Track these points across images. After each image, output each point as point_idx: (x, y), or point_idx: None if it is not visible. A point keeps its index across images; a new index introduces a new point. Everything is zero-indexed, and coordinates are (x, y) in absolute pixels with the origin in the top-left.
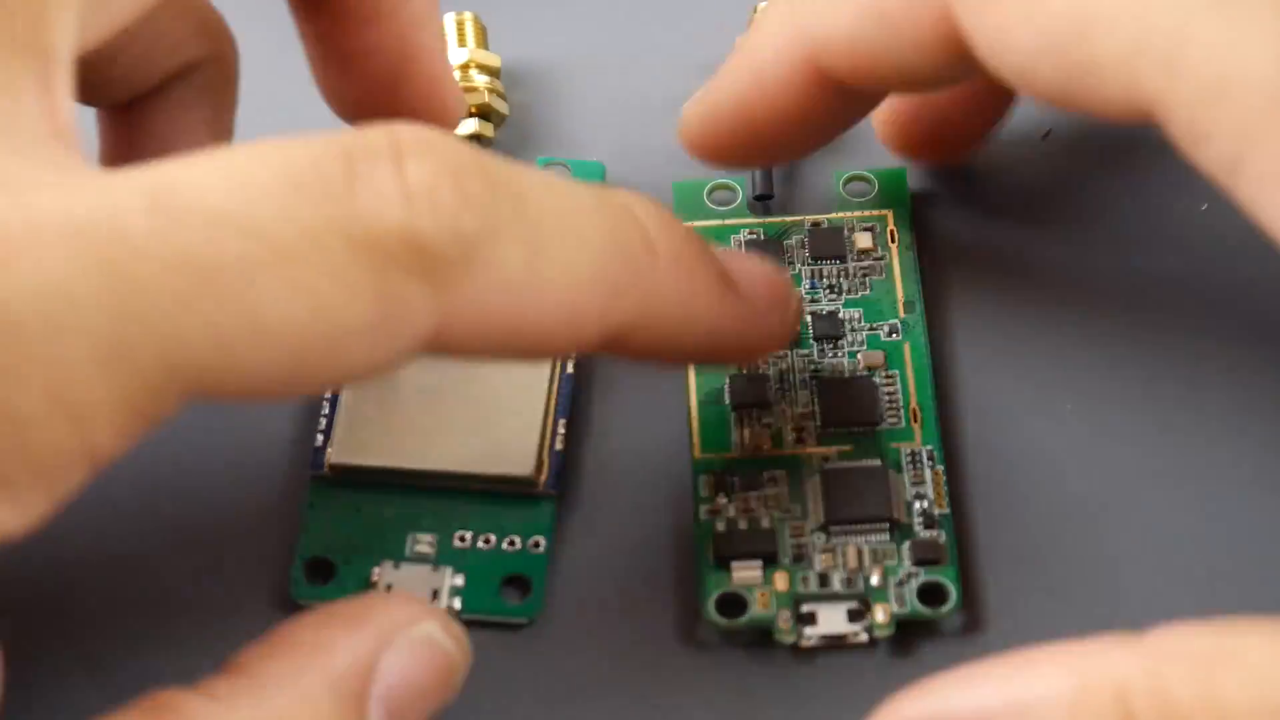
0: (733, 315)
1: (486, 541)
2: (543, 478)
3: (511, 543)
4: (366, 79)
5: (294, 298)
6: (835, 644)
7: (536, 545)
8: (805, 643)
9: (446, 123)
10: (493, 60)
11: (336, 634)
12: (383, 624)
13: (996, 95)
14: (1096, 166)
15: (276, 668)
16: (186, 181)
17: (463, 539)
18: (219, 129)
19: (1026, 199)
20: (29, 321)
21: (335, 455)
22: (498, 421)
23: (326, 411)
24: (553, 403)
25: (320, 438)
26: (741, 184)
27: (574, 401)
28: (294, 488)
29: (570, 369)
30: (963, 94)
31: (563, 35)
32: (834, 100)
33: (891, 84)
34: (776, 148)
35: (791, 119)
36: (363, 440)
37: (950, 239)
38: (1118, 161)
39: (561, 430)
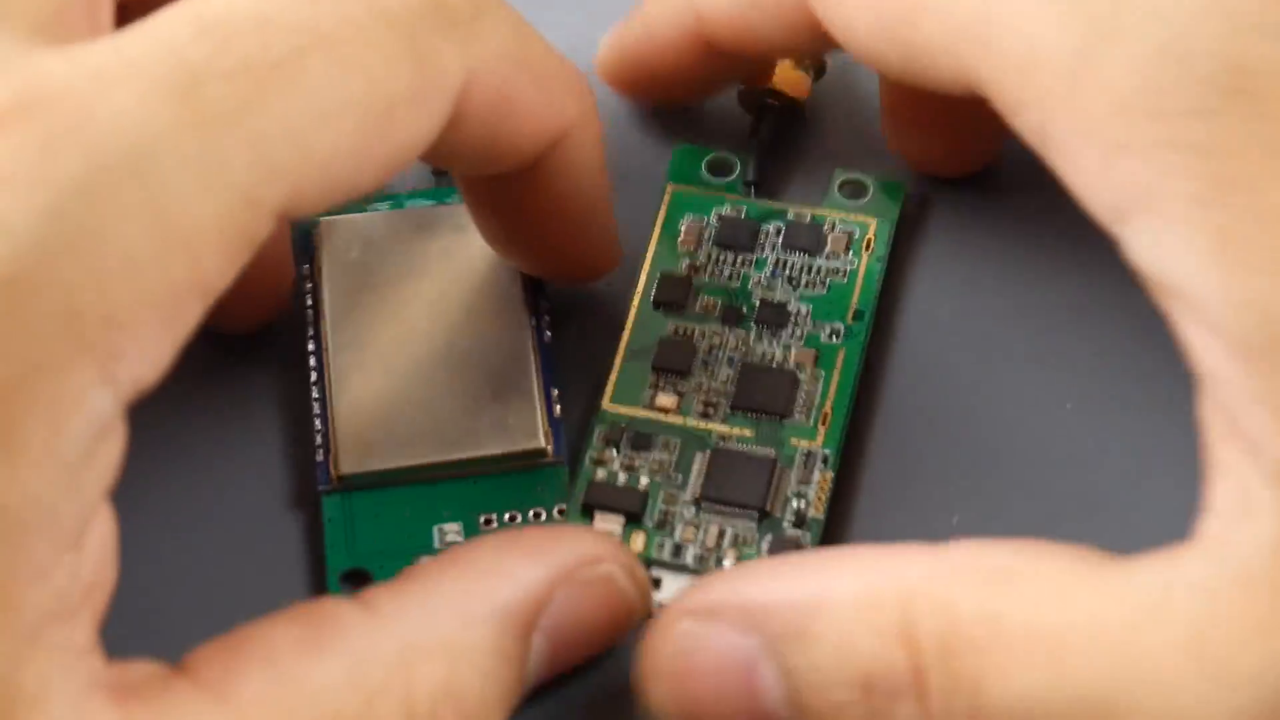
0: (609, 198)
1: (512, 518)
2: (551, 446)
3: (537, 514)
4: (539, 253)
5: (347, 76)
6: None
7: (561, 512)
8: None
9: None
10: None
11: (516, 560)
12: (565, 557)
13: None
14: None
15: (446, 586)
16: (224, 2)
17: (488, 521)
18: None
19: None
20: (121, 159)
21: (345, 465)
22: (494, 400)
23: (319, 427)
24: (539, 372)
25: (320, 452)
26: (740, 159)
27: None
28: (301, 504)
29: (548, 336)
30: (970, 105)
31: None
32: (717, 60)
33: (765, 55)
34: (671, 92)
35: (682, 72)
36: (367, 445)
37: (921, 270)
38: None
39: (555, 398)
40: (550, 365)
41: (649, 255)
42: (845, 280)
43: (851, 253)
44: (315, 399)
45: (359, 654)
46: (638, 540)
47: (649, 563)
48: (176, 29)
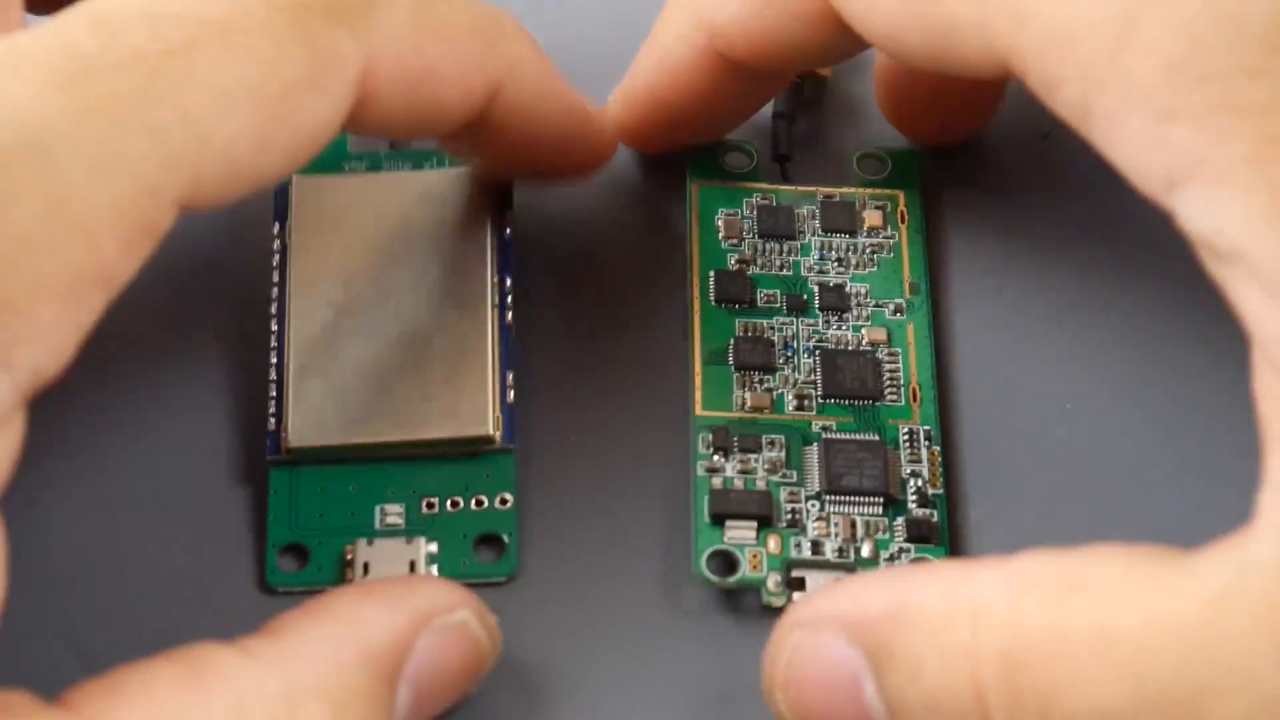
0: (579, 107)
1: (454, 505)
2: (499, 433)
3: (479, 502)
4: (531, 167)
5: (240, 62)
6: None
7: (504, 502)
8: (792, 604)
9: (603, 161)
10: None
11: (376, 609)
12: (422, 605)
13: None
14: (1095, 167)
15: (314, 634)
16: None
17: (430, 505)
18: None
19: (1027, 198)
20: (12, 144)
21: (293, 438)
22: (446, 383)
23: (275, 394)
24: (496, 357)
25: (273, 421)
26: (755, 149)
27: (516, 353)
28: (252, 472)
29: (509, 318)
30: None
31: None
32: (738, 82)
33: (785, 62)
34: (693, 129)
35: (701, 102)
36: (318, 420)
37: (955, 236)
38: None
39: (510, 383)
40: (509, 350)
41: (694, 252)
42: (892, 255)
43: (889, 226)
44: (274, 366)
45: (240, 694)
46: (773, 543)
47: (789, 564)
48: (70, 24)
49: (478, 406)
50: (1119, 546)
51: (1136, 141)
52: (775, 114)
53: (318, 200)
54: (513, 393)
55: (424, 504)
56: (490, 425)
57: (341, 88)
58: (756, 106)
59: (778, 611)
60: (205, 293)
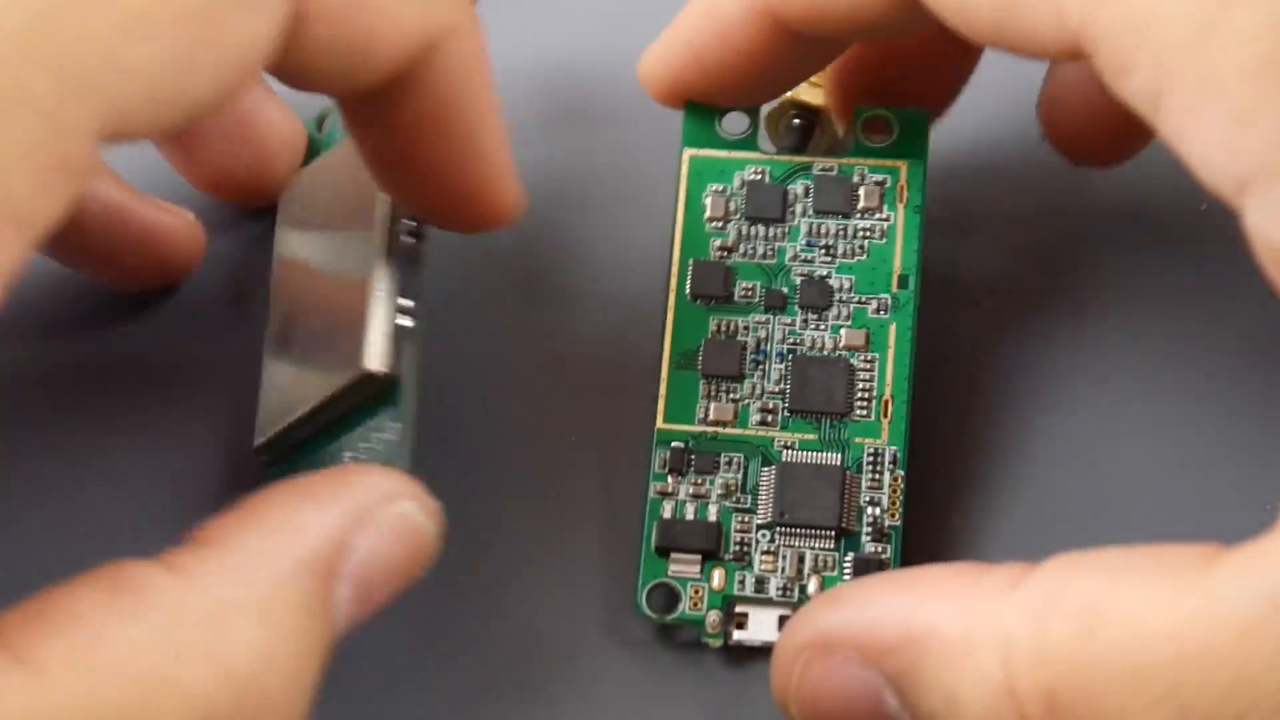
0: (501, 137)
1: None
2: (383, 367)
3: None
4: (426, 188)
5: None
6: (765, 648)
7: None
8: (731, 642)
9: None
10: None
11: (309, 511)
12: (358, 500)
13: (958, 48)
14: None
15: (244, 544)
16: None
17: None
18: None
19: (1024, 201)
20: None
21: (257, 437)
22: (339, 330)
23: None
24: (387, 284)
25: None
26: (754, 114)
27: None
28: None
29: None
30: (924, 45)
31: None
32: (791, 47)
33: (844, 31)
34: (731, 91)
35: (748, 65)
36: (269, 411)
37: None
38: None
39: (413, 310)
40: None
41: (677, 239)
42: (884, 240)
43: (886, 206)
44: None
45: (167, 614)
46: (717, 577)
47: (731, 599)
48: None
49: (357, 349)
50: (1139, 555)
51: (1210, 138)
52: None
53: (310, 177)
54: (411, 320)
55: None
56: (366, 361)
57: (273, 4)
58: (803, 76)
59: (716, 651)
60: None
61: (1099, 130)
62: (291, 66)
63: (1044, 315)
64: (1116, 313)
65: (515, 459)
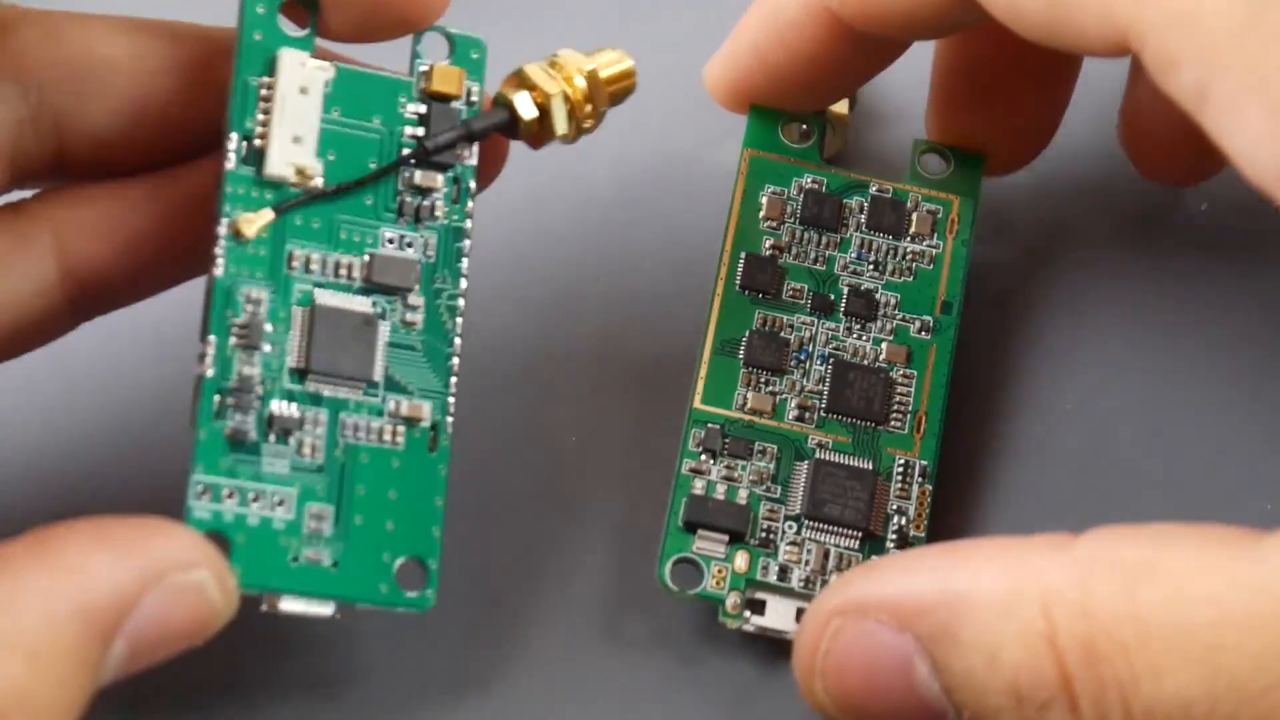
0: None
1: None
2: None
3: None
4: None
5: None
6: (775, 637)
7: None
8: (746, 627)
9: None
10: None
11: (103, 560)
12: (156, 559)
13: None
14: (1095, 166)
15: (32, 580)
16: None
17: None
18: None
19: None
20: None
21: None
22: None
23: None
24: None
25: None
26: (820, 124)
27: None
28: None
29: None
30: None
31: None
32: (852, 49)
33: (901, 29)
34: (795, 95)
35: (810, 68)
36: None
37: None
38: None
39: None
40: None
41: (730, 229)
42: (931, 267)
43: (936, 235)
44: None
45: None
46: (740, 560)
47: (752, 584)
48: None
49: None
50: (1186, 528)
51: (1254, 132)
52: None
53: None
54: None
55: None
56: None
57: None
58: (865, 78)
59: (732, 633)
60: None
61: (1178, 148)
62: None
63: (1063, 331)
64: (1117, 312)
65: (516, 459)
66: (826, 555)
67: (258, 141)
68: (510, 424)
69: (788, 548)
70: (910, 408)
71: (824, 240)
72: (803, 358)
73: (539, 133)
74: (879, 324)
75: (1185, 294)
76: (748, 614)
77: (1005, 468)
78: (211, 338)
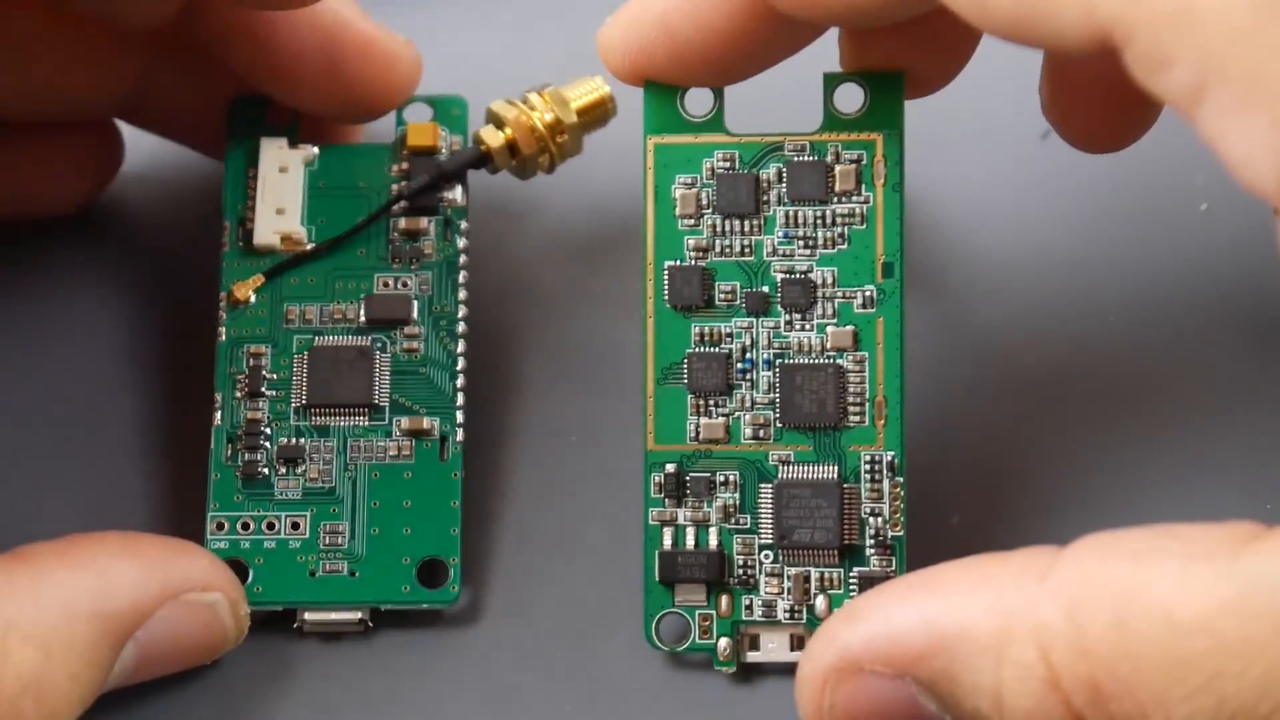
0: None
1: None
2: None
3: None
4: (304, 80)
5: None
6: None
7: None
8: (744, 660)
9: (400, 85)
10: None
11: (128, 569)
12: (176, 576)
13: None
14: (1096, 167)
15: (58, 575)
16: None
17: None
18: None
19: (1023, 200)
20: None
21: None
22: None
23: None
24: None
25: None
26: (718, 92)
27: None
28: None
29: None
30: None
31: None
32: (773, 29)
33: (837, 17)
34: (701, 74)
35: (720, 43)
36: None
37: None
38: (1117, 160)
39: None
40: None
41: (649, 238)
42: (864, 226)
43: (864, 186)
44: None
45: None
46: (724, 603)
47: (739, 624)
48: None
49: None
50: (1169, 537)
51: (1254, 140)
52: None
53: None
54: None
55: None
56: None
57: None
58: (778, 58)
59: (728, 676)
60: None
61: (1107, 117)
62: None
63: (1040, 313)
64: (1117, 313)
65: (516, 459)
66: (807, 580)
67: (249, 225)
68: (510, 424)
69: (767, 580)
70: (867, 395)
71: (747, 226)
72: (748, 367)
73: (514, 164)
74: (819, 308)
75: (1185, 293)
76: (744, 651)
77: (978, 445)
78: (218, 395)
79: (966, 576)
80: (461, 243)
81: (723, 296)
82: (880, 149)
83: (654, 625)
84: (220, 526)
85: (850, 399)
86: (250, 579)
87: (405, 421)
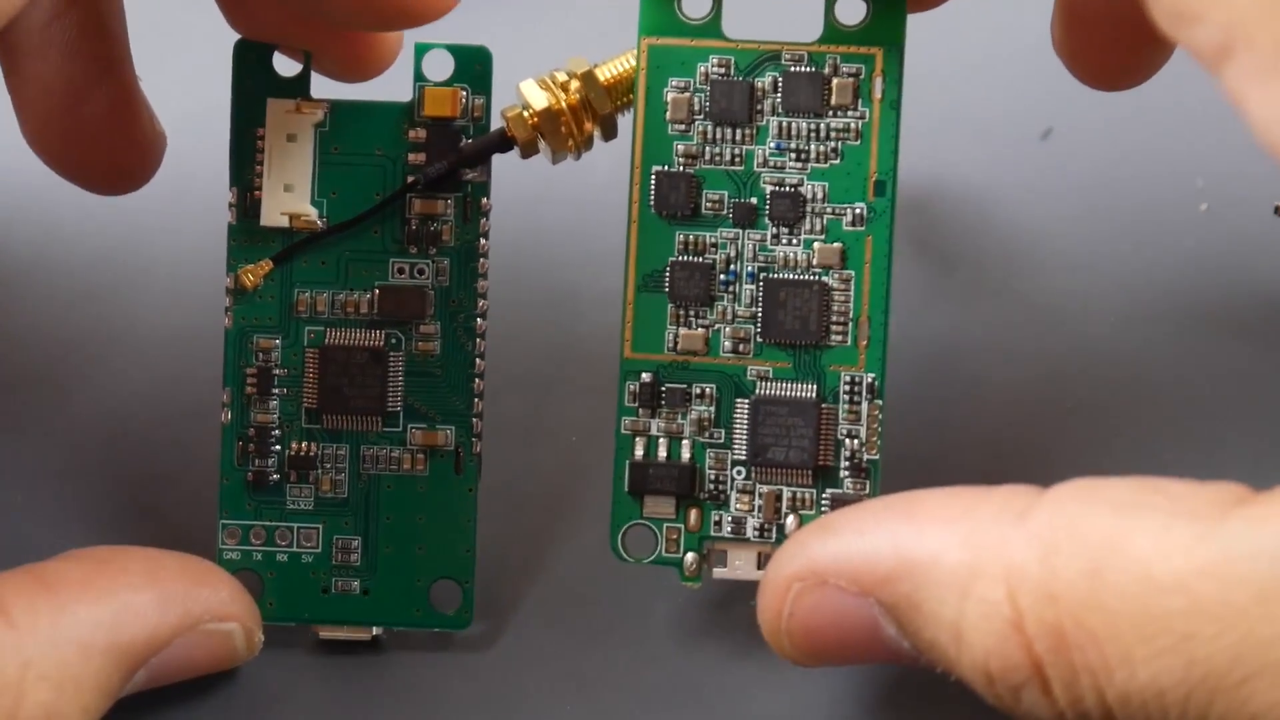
0: None
1: None
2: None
3: None
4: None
5: None
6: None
7: None
8: (711, 579)
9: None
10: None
11: (150, 604)
12: (196, 609)
13: None
14: (1096, 167)
15: (80, 614)
16: None
17: None
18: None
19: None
20: None
21: None
22: None
23: None
24: None
25: None
26: None
27: None
28: None
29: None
30: None
31: None
32: None
33: None
34: None
35: None
36: None
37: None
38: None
39: None
40: None
41: (638, 144)
42: (859, 142)
43: (861, 102)
44: None
45: None
46: (693, 518)
47: (707, 540)
48: None
49: None
50: (1153, 491)
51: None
52: None
53: None
54: None
55: None
56: None
57: None
58: None
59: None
60: None
61: (1120, 55)
62: None
63: (1040, 313)
64: (1117, 312)
65: (516, 459)
66: (779, 498)
67: (257, 193)
68: (510, 423)
69: (739, 497)
70: (851, 315)
71: (738, 135)
72: (731, 279)
73: (542, 149)
74: (807, 223)
75: (1185, 293)
76: (710, 567)
77: (962, 369)
78: (227, 389)
79: (946, 506)
80: (483, 223)
81: (709, 206)
82: (880, 64)
83: (620, 536)
84: (231, 535)
85: (834, 318)
86: (263, 593)
87: (419, 434)
